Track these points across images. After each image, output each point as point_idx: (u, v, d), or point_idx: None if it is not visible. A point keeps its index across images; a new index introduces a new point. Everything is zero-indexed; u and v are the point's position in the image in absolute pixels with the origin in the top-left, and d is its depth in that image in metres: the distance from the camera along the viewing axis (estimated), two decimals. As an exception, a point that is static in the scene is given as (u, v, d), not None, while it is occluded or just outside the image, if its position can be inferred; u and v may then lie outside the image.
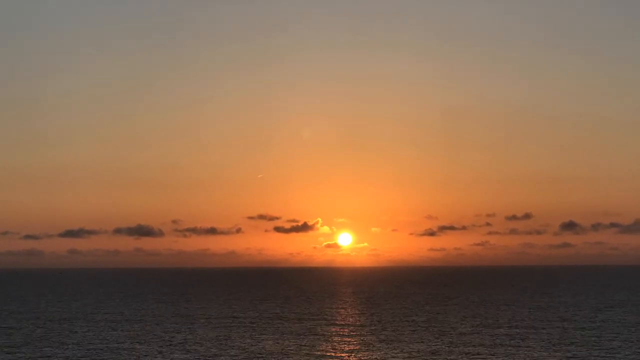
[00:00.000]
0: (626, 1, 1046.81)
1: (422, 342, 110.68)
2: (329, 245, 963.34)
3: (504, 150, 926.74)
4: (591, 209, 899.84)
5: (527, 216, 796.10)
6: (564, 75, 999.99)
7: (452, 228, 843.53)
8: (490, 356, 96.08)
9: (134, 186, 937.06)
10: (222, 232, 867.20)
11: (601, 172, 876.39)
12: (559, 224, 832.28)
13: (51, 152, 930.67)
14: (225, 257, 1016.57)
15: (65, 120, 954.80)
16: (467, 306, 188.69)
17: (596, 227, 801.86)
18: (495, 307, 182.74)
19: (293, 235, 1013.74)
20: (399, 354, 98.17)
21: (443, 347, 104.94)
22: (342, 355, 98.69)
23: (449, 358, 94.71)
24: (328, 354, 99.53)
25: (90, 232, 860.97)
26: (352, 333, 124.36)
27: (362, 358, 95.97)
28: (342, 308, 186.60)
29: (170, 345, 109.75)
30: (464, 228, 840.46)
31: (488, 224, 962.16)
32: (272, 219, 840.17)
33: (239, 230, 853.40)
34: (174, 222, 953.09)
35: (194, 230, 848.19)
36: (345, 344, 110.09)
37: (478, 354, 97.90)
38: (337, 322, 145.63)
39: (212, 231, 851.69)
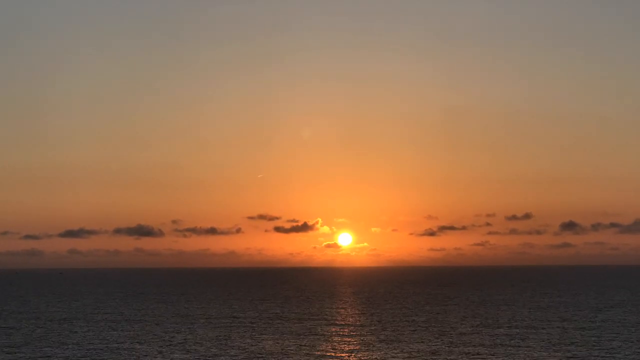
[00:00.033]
0: (626, 1, 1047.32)
1: (422, 342, 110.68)
2: (329, 245, 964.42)
3: (504, 150, 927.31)
4: (591, 209, 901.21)
5: (527, 216, 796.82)
6: (564, 75, 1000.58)
7: (452, 228, 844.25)
8: (490, 356, 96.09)
9: (134, 186, 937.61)
10: (222, 232, 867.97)
11: (601, 172, 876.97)
12: (559, 224, 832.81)
13: (51, 152, 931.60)
14: (225, 257, 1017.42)
15: (65, 120, 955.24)
16: (467, 306, 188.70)
17: (596, 227, 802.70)
18: (495, 307, 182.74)
19: (293, 235, 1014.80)
20: (399, 354, 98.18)
21: (443, 347, 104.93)
22: (342, 355, 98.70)
23: (448, 358, 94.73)
24: (328, 354, 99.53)
25: (90, 232, 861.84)
26: (352, 333, 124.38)
27: (362, 358, 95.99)
28: (342, 308, 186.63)
29: (170, 345, 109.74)
30: (464, 228, 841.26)
31: (488, 224, 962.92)
32: (272, 219, 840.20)
33: (238, 231, 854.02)
34: (174, 222, 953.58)
35: (194, 230, 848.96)
36: (345, 344, 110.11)
37: (478, 354, 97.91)
38: (337, 322, 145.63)
39: (212, 231, 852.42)
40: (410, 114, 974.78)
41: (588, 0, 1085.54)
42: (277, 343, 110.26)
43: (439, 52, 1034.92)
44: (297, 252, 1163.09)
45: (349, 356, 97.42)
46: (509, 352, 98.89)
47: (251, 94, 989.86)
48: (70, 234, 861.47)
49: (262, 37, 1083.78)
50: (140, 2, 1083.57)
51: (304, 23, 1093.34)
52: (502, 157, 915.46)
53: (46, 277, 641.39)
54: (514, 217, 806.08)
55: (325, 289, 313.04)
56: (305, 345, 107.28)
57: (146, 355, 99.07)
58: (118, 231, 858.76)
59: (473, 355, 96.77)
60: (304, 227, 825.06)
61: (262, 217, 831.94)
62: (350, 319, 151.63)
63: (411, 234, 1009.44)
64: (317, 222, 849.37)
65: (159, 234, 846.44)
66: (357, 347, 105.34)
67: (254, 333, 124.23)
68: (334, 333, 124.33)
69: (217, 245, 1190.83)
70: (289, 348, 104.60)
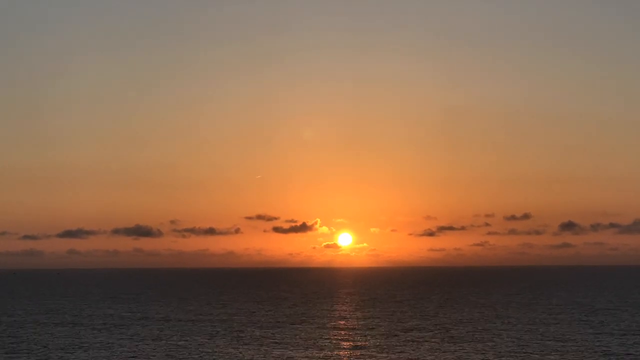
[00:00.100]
0: (626, 1, 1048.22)
1: (422, 342, 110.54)
2: (328, 246, 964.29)
3: (503, 150, 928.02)
4: (590, 209, 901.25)
5: (526, 216, 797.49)
6: (564, 75, 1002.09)
7: (451, 228, 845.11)
8: (491, 356, 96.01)
9: (133, 186, 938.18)
10: (221, 233, 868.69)
11: (601, 172, 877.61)
12: (558, 224, 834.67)
13: (51, 152, 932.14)
14: (224, 257, 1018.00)
15: (65, 120, 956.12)
16: (467, 306, 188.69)
17: (595, 227, 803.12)
18: (495, 308, 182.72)
19: (292, 235, 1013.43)
20: (399, 355, 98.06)
21: (443, 346, 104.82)
22: (342, 355, 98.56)
23: (449, 358, 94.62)
24: (328, 354, 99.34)
25: (89, 233, 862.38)
26: (352, 333, 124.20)
27: (363, 358, 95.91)
28: (342, 308, 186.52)
29: (167, 345, 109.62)
30: (463, 228, 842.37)
31: (487, 224, 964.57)
32: (270, 219, 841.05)
33: (237, 231, 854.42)
34: (172, 222, 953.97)
35: (193, 231, 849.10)
36: (346, 343, 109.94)
37: (478, 354, 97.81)
38: (337, 322, 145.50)
39: (211, 231, 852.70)
40: (410, 114, 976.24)
41: (588, 0, 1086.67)
42: (275, 344, 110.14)
43: (439, 52, 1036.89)
44: (296, 253, 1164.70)
45: (349, 356, 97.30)
46: (509, 352, 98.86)
47: (251, 94, 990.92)
48: (69, 234, 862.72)
49: (262, 37, 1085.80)
50: (141, 2, 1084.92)
51: (304, 23, 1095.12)
52: (502, 157, 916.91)
53: (44, 277, 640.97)
54: (513, 218, 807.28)
55: (325, 289, 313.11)
56: (304, 345, 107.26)
57: (146, 356, 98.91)
58: (117, 231, 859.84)
59: (473, 354, 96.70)
60: (303, 228, 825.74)
61: (260, 217, 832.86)
62: (351, 319, 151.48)
63: (410, 234, 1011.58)
64: (315, 223, 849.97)
65: (158, 234, 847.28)
66: (358, 347, 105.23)
67: (252, 334, 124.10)
68: (334, 333, 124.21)
69: (216, 245, 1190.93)
70: (288, 349, 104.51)
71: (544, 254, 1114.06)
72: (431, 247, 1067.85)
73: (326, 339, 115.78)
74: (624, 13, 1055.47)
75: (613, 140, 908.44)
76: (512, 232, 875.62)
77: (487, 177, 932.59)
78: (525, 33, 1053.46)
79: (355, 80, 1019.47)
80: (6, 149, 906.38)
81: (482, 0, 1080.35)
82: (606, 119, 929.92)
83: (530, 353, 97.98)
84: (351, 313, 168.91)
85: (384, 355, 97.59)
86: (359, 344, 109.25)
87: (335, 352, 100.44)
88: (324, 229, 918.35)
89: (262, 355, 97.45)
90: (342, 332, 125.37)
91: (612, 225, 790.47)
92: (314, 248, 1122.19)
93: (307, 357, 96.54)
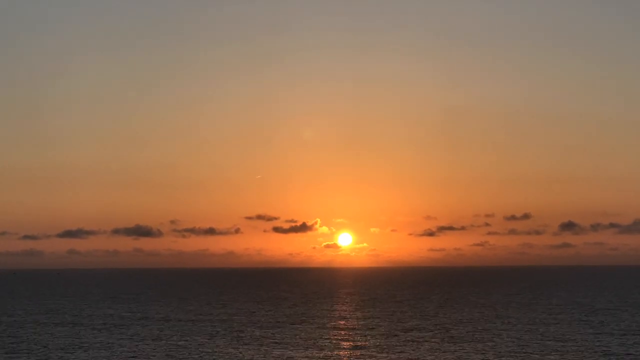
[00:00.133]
0: (626, 1, 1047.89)
1: (422, 342, 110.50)
2: (328, 246, 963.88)
3: (503, 150, 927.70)
4: (590, 209, 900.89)
5: (526, 216, 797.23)
6: (564, 75, 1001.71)
7: (451, 228, 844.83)
8: (491, 356, 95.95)
9: (133, 186, 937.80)
10: (221, 233, 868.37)
11: (601, 172, 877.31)
12: (558, 224, 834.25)
13: (51, 152, 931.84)
14: (224, 257, 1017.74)
15: (65, 120, 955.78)
16: (467, 306, 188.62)
17: (595, 227, 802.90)
18: (495, 308, 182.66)
19: (292, 235, 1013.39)
20: (399, 355, 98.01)
21: (443, 346, 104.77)
22: (342, 355, 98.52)
23: (449, 358, 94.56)
24: (328, 354, 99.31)
25: (89, 233, 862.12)
26: (352, 333, 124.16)
27: (363, 358, 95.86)
28: (342, 308, 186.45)
29: (167, 346, 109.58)
30: (463, 228, 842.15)
31: (487, 224, 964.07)
32: (270, 219, 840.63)
33: (237, 231, 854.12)
34: (172, 222, 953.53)
35: (193, 231, 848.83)
36: (346, 343, 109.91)
37: (478, 354, 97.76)
38: (337, 322, 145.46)
39: (211, 231, 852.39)
40: (410, 114, 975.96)
41: (588, 0, 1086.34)
42: (275, 344, 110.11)
43: (439, 52, 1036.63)
44: (296, 253, 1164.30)
45: (349, 356, 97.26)
46: (509, 352, 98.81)
47: (251, 94, 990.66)
48: (69, 234, 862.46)
49: (262, 37, 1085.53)
50: (141, 2, 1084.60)
51: (304, 23, 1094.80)
52: (502, 157, 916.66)
53: (44, 277, 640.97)
54: (513, 218, 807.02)
55: (325, 290, 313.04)
56: (304, 346, 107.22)
57: (147, 356, 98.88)
58: (117, 231, 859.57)
59: (473, 354, 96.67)
60: (303, 228, 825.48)
61: (260, 217, 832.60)
62: (350, 320, 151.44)
63: (410, 234, 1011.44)
64: (315, 223, 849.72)
65: (158, 234, 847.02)
66: (357, 348, 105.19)
67: (251, 334, 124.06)
68: (333, 334, 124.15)
69: (216, 245, 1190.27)
70: (288, 349, 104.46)
71: (544, 254, 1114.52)
72: (431, 247, 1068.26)
73: (326, 339, 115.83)
74: (624, 13, 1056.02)
75: (613, 140, 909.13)
76: (512, 232, 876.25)
77: (487, 177, 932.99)
78: (525, 33, 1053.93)
79: (355, 80, 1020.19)
80: (6, 149, 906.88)
81: (482, 0, 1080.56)
82: (606, 119, 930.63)
83: (530, 353, 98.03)
84: (351, 313, 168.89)
85: (384, 355, 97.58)
86: (359, 344, 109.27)
87: (335, 352, 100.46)
88: (324, 229, 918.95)
89: (262, 355, 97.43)
90: (342, 332, 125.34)
91: (612, 225, 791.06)
92: (314, 248, 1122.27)
93: (307, 357, 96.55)
